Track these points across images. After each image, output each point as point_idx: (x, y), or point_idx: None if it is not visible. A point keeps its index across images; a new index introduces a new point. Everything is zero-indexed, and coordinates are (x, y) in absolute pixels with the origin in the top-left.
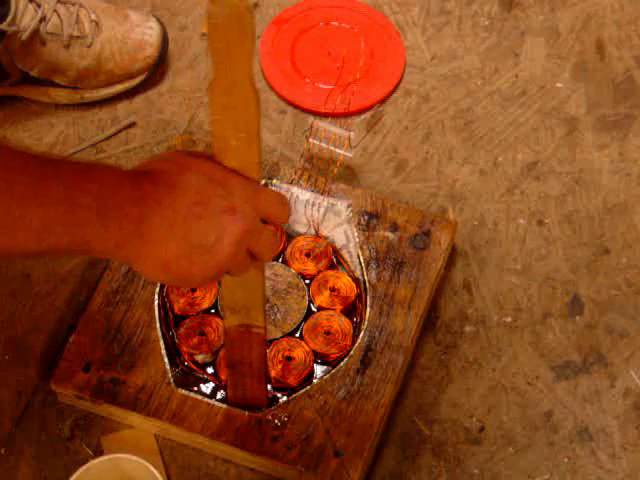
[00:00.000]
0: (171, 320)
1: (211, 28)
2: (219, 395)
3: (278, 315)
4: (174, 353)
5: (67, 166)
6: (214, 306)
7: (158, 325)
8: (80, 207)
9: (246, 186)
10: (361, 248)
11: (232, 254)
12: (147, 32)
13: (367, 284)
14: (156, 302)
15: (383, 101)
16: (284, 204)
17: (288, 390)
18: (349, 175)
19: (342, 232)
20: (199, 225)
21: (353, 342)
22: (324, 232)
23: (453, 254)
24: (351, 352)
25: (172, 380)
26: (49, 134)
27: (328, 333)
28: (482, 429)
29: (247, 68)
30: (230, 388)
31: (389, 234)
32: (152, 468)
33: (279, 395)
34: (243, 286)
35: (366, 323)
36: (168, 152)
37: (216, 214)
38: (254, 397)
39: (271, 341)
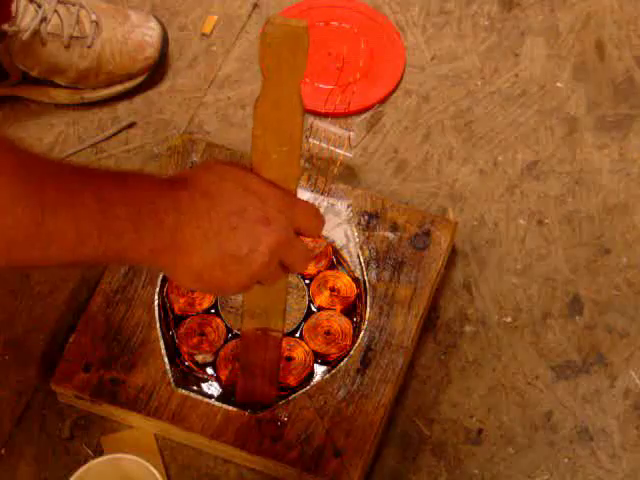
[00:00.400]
0: (171, 320)
1: (264, 46)
2: (219, 395)
3: None
4: (174, 353)
5: (101, 175)
6: (214, 306)
7: (158, 325)
8: (115, 218)
9: (281, 197)
10: (361, 248)
11: (265, 265)
12: (147, 32)
13: (367, 284)
14: (156, 302)
15: (383, 101)
16: (319, 217)
17: (288, 390)
18: (349, 175)
19: (342, 232)
20: (234, 235)
21: (353, 342)
22: (324, 232)
23: (453, 254)
24: (351, 352)
25: (172, 380)
26: (49, 134)
27: (328, 333)
28: (482, 429)
29: (297, 83)
30: (239, 388)
31: (389, 234)
32: (152, 468)
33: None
34: (266, 293)
35: (366, 323)
36: (205, 161)
37: (251, 224)
38: (262, 397)
39: None
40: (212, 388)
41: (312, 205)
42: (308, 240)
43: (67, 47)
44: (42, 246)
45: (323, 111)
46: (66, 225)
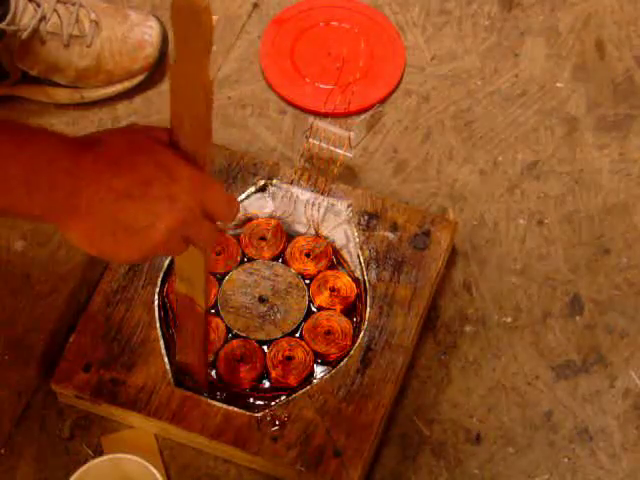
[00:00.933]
0: (171, 320)
1: (174, 13)
2: (219, 395)
3: (278, 315)
4: (174, 353)
5: (4, 131)
6: (214, 306)
7: (158, 325)
8: (9, 176)
9: (194, 178)
10: (361, 248)
11: (162, 242)
12: (147, 32)
13: (367, 284)
14: (156, 302)
15: (383, 101)
16: (232, 204)
17: (288, 390)
18: (349, 175)
19: (342, 232)
20: (132, 207)
21: (353, 342)
22: (324, 232)
23: (453, 254)
24: (351, 352)
25: (172, 380)
26: None
27: (328, 333)
28: (482, 429)
29: (203, 67)
30: (177, 351)
31: (389, 234)
32: (152, 468)
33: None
34: (186, 263)
35: (366, 323)
36: (128, 127)
37: (153, 200)
38: (194, 370)
39: (271, 341)
40: (212, 388)
41: (226, 194)
42: (310, 239)
43: (66, 46)
44: None
45: (323, 111)
46: None
